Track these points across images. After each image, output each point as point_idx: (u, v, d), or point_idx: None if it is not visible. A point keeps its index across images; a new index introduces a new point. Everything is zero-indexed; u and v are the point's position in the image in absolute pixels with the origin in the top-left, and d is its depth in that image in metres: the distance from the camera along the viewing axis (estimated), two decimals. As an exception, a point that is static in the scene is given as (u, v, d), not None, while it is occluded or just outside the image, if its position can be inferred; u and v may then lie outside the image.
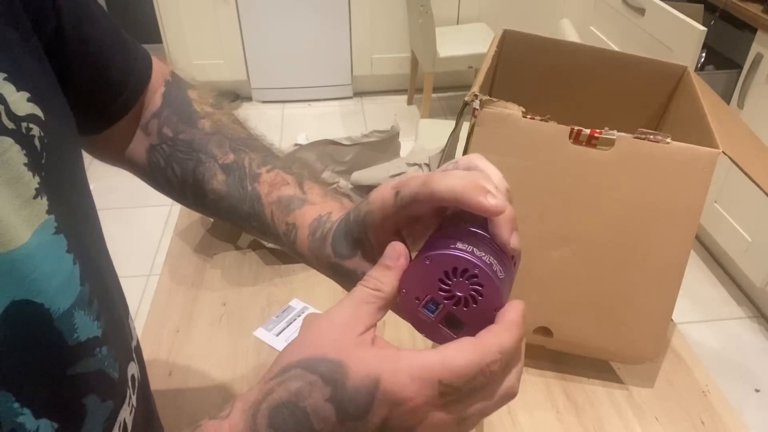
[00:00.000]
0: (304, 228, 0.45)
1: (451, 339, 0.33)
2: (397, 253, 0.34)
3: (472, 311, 0.32)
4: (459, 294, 0.32)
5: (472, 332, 0.31)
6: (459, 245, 0.32)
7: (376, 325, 0.33)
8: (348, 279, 0.41)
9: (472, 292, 0.32)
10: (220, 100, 0.55)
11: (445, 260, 0.32)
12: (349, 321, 0.31)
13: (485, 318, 0.32)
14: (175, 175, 0.51)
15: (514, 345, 0.31)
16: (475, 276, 0.31)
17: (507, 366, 0.31)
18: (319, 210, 0.45)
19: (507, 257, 0.33)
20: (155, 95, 0.52)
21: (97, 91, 0.47)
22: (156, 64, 0.52)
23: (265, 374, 0.32)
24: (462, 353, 0.30)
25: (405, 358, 0.29)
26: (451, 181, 0.32)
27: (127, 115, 0.50)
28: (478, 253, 0.32)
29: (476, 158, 0.36)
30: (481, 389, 0.31)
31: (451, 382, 0.29)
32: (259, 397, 0.31)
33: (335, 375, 0.29)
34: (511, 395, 0.32)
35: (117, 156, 0.53)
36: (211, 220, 0.92)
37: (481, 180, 0.32)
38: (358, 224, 0.39)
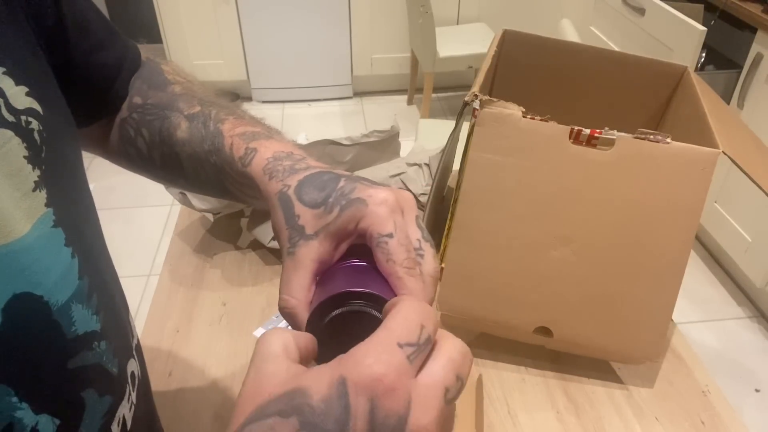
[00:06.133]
0: (266, 152, 0.42)
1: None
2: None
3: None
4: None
5: None
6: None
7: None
8: (279, 213, 0.38)
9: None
10: (193, 76, 0.55)
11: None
12: (281, 352, 0.29)
13: None
14: (144, 141, 0.49)
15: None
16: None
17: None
18: (291, 148, 0.42)
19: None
20: None
21: (95, 79, 0.47)
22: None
23: None
24: (396, 311, 0.29)
25: (356, 348, 0.27)
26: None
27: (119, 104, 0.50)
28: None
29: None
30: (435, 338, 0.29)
31: (408, 339, 0.27)
32: None
33: (294, 402, 0.26)
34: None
35: (103, 145, 0.52)
36: (211, 220, 0.92)
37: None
38: (344, 198, 0.37)
